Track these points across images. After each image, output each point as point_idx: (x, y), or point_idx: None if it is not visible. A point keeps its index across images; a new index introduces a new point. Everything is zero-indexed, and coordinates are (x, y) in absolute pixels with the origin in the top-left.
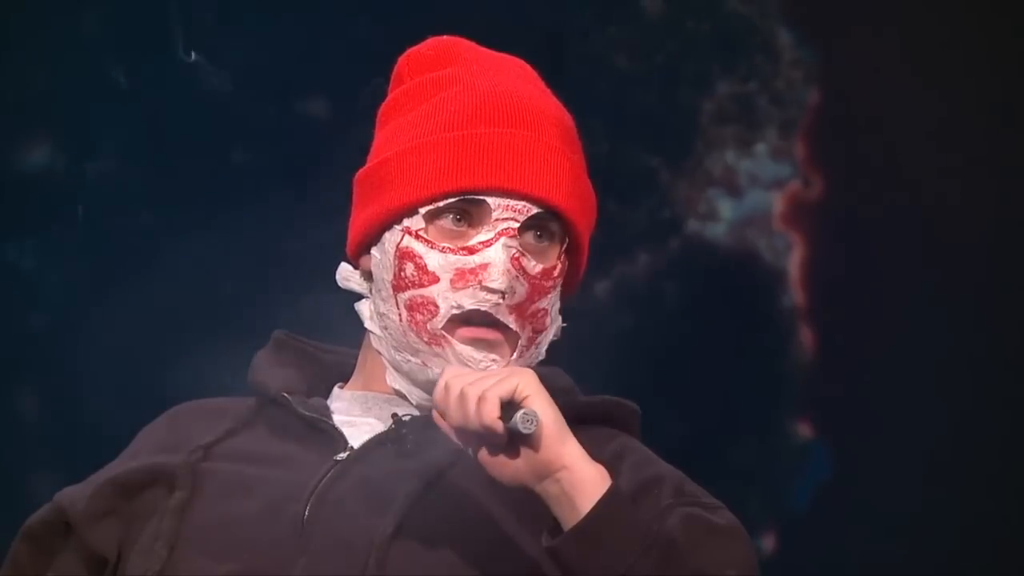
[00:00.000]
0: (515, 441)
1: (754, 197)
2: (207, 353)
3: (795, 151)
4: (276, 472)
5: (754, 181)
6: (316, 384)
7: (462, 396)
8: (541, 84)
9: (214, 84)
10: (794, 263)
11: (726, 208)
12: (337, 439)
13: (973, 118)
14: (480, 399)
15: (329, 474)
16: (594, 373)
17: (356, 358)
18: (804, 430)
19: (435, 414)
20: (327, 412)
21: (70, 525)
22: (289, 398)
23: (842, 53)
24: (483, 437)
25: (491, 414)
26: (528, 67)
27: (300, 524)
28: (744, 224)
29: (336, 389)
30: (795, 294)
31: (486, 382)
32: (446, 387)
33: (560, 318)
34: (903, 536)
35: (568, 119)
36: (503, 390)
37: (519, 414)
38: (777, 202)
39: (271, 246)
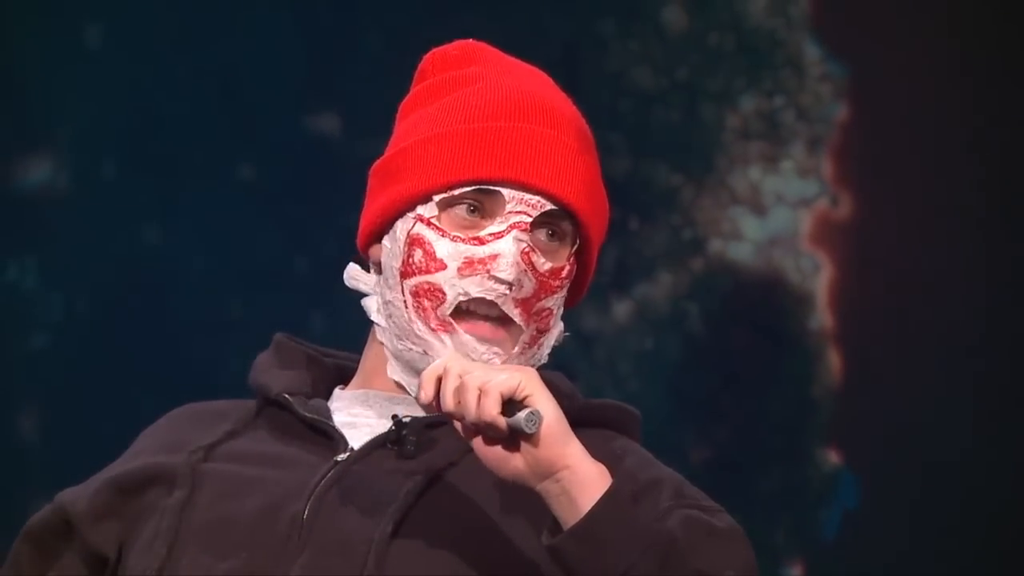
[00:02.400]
0: (514, 437)
1: (780, 216)
2: (213, 373)
3: (823, 168)
4: (276, 472)
5: (780, 199)
6: (317, 386)
7: (462, 387)
8: (562, 93)
9: (221, 98)
10: (822, 285)
11: (751, 227)
12: (337, 440)
13: (1006, 133)
14: (482, 392)
15: (329, 474)
16: (614, 396)
17: (357, 362)
18: (832, 457)
19: (420, 396)
20: (327, 413)
21: (71, 525)
22: (290, 399)
23: (871, 67)
24: (478, 428)
25: (492, 410)
26: (548, 78)
27: (300, 523)
28: (770, 244)
29: (337, 391)
30: (823, 317)
31: (487, 375)
32: (445, 371)
33: (562, 324)
34: (932, 565)
35: (587, 127)
36: (505, 386)
37: (524, 413)
38: (804, 221)
39: (279, 263)
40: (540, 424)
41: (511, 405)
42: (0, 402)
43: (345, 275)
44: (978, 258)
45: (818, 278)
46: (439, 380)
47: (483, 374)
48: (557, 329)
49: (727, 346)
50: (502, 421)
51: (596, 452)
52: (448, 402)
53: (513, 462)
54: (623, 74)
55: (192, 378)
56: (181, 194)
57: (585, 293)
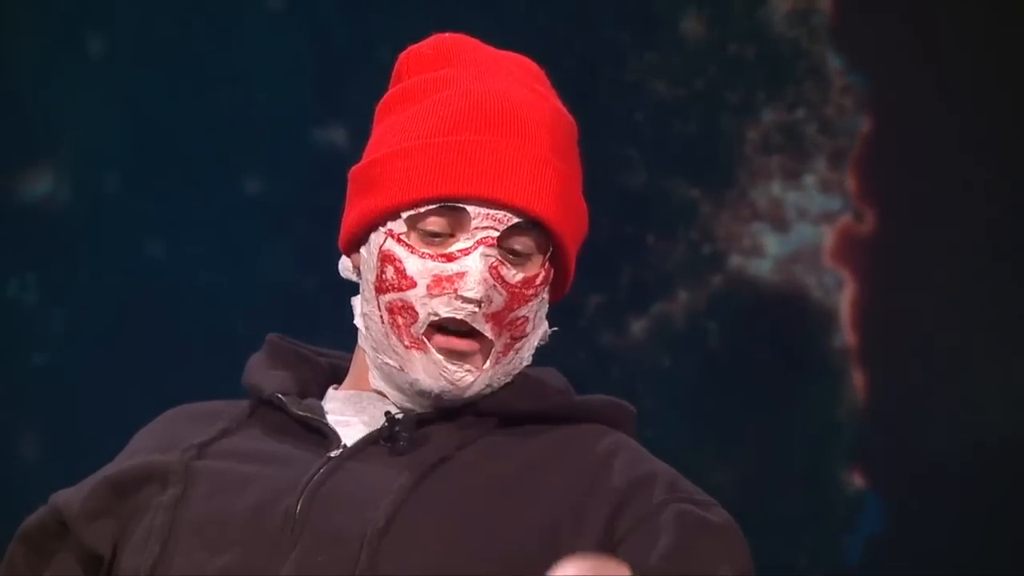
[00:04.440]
0: None
1: (802, 232)
2: (218, 391)
3: (846, 183)
4: (270, 469)
5: (802, 215)
6: (310, 386)
7: None
8: (542, 87)
9: (226, 111)
10: (845, 302)
11: (772, 243)
12: (331, 438)
13: None
14: None
15: (322, 470)
16: None
17: (350, 361)
18: (856, 480)
19: None
20: (321, 412)
21: (66, 525)
22: (283, 399)
23: (896, 79)
24: None
25: None
26: (532, 66)
27: (292, 519)
28: (791, 260)
29: (331, 390)
30: (846, 335)
31: None
32: None
33: (547, 323)
34: None
35: (565, 125)
36: None
37: None
38: (827, 237)
39: (286, 278)
40: None
41: None
42: (1, 421)
43: (340, 266)
44: (1006, 274)
45: (841, 295)
46: None
47: None
48: (540, 331)
49: (747, 365)
50: None
51: (589, 447)
52: None
53: None
54: (640, 85)
55: (197, 396)
56: (186, 208)
57: (568, 288)
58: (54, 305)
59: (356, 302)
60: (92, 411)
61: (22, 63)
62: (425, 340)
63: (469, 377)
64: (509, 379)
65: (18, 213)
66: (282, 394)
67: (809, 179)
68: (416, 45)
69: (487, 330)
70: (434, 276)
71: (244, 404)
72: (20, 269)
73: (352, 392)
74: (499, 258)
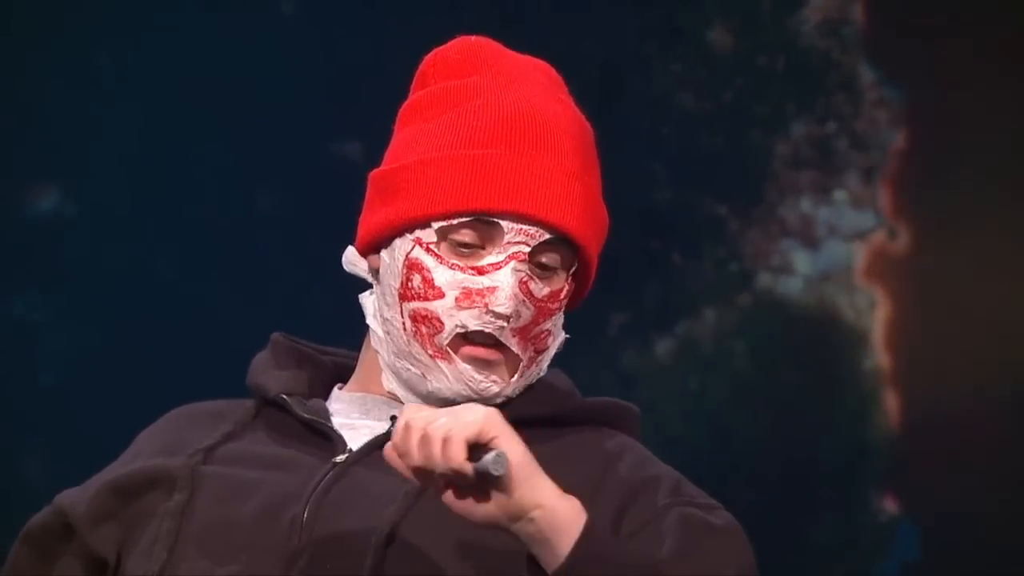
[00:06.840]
0: (484, 482)
1: (833, 249)
2: None
3: (879, 199)
4: (275, 475)
5: (833, 231)
6: (315, 385)
7: (425, 438)
8: (563, 94)
9: (238, 126)
10: (877, 322)
11: (802, 261)
12: (336, 442)
13: None
14: (445, 441)
15: (328, 476)
16: (656, 439)
17: (355, 359)
18: (889, 506)
19: (387, 450)
20: (326, 414)
21: (70, 527)
22: (288, 400)
23: (930, 92)
24: (448, 478)
25: (458, 457)
26: (551, 71)
27: (299, 526)
28: (822, 279)
29: (335, 390)
30: (879, 356)
31: (450, 423)
32: (406, 427)
33: (562, 332)
34: None
35: (587, 133)
36: (469, 432)
37: (490, 456)
38: (859, 255)
39: (300, 297)
40: (508, 465)
41: (476, 449)
42: (7, 440)
43: (344, 259)
44: None
45: (874, 315)
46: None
47: (447, 422)
48: (558, 341)
49: (776, 387)
50: (469, 467)
51: (594, 449)
52: (415, 456)
53: (485, 506)
54: (665, 98)
55: None
56: (197, 224)
57: (584, 298)
58: (60, 323)
59: (366, 300)
60: (98, 428)
61: (29, 78)
62: (450, 351)
63: (495, 388)
64: (522, 390)
65: (25, 230)
66: (287, 394)
67: (840, 195)
68: (441, 48)
69: (513, 344)
70: (464, 289)
71: (248, 404)
72: (25, 287)
73: (359, 394)
74: (528, 273)
